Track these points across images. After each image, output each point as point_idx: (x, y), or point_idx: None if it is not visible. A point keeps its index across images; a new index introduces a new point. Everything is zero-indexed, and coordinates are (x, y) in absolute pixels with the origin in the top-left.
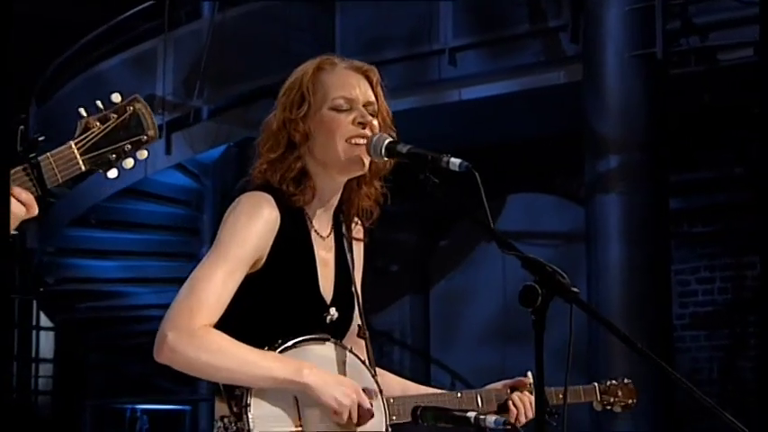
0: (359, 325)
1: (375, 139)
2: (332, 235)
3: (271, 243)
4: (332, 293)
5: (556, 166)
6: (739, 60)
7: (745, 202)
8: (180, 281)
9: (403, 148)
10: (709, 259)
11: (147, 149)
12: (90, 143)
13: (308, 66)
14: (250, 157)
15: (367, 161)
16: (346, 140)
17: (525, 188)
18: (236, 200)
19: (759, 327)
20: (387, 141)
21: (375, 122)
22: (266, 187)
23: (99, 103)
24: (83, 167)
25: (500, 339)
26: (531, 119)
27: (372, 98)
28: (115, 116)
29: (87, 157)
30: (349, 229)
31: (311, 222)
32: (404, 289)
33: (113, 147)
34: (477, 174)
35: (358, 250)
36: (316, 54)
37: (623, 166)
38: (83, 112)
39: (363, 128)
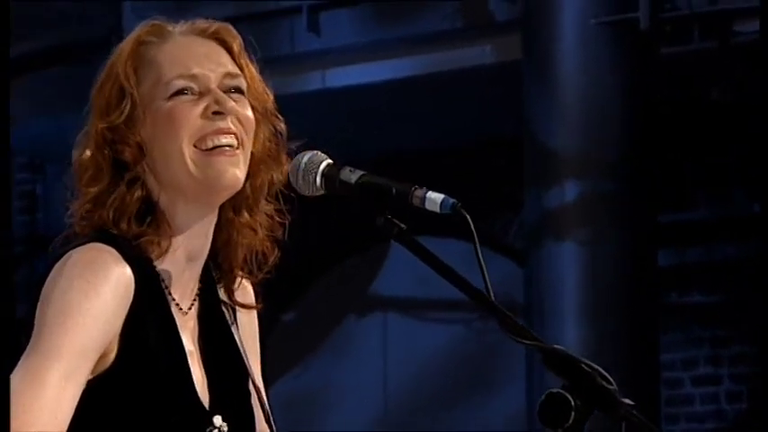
0: None
1: (303, 159)
2: (195, 305)
3: (121, 323)
4: (209, 395)
5: (474, 197)
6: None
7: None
8: None
9: (351, 176)
10: (713, 347)
11: None
12: None
13: (125, 43)
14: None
15: (241, 173)
16: (195, 144)
17: (421, 230)
18: (61, 261)
19: None
20: (324, 164)
21: (243, 108)
22: (104, 236)
23: None
24: None
25: None
26: (436, 120)
27: (234, 68)
28: None
29: None
30: (230, 292)
31: (167, 288)
32: None
33: None
34: (469, 217)
35: (249, 322)
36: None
37: (585, 200)
38: None
39: (221, 119)
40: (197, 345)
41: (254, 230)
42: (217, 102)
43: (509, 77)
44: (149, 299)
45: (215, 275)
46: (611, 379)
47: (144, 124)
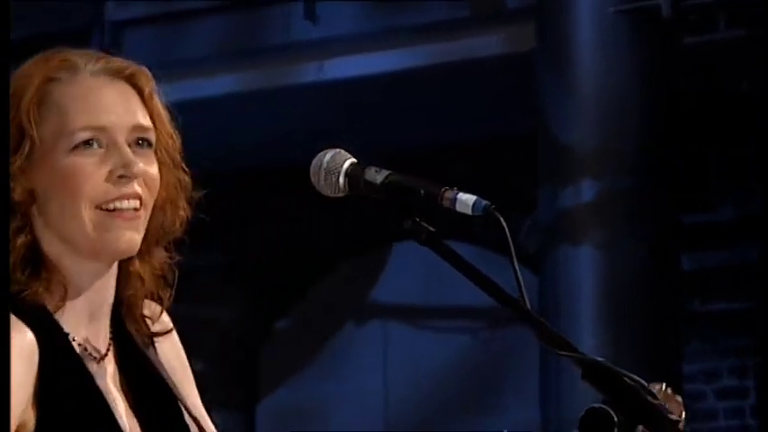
0: None
1: (324, 159)
2: (110, 349)
3: (33, 393)
4: None
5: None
6: None
7: None
8: None
9: (376, 176)
10: (738, 357)
11: None
12: None
13: (31, 73)
14: None
15: (139, 236)
16: (99, 207)
17: (412, 234)
18: None
19: None
20: (347, 164)
21: (149, 167)
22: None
23: None
24: None
25: None
26: (441, 114)
27: (145, 119)
28: None
29: None
30: (141, 325)
31: (74, 338)
32: (215, 403)
33: None
34: (503, 220)
35: (171, 347)
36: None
37: (603, 199)
38: None
39: (127, 183)
40: (122, 390)
41: (142, 279)
42: (124, 165)
43: (521, 69)
44: (56, 356)
45: (121, 312)
46: (655, 393)
47: (41, 170)
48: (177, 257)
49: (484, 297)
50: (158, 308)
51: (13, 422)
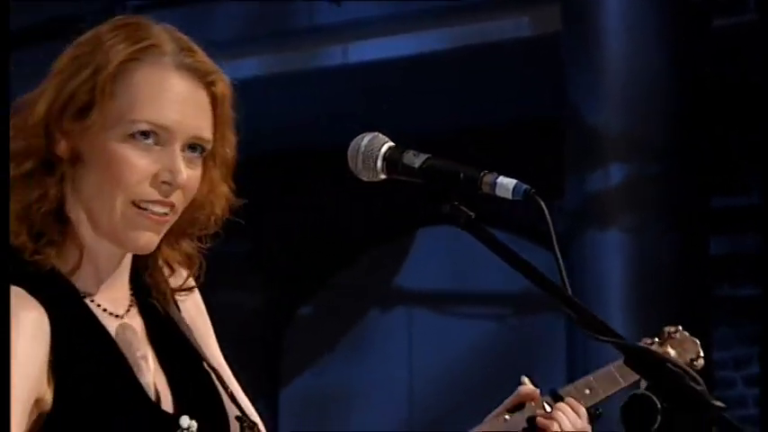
0: (239, 418)
1: (362, 142)
2: (134, 307)
3: (48, 366)
4: (171, 396)
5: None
6: None
7: None
8: None
9: (415, 160)
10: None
11: None
12: None
13: (117, 44)
14: None
15: (158, 238)
16: (133, 203)
17: (451, 219)
18: None
19: None
20: (385, 147)
21: (193, 178)
22: (15, 267)
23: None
24: None
25: None
26: (466, 97)
27: (206, 133)
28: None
29: None
30: (161, 284)
31: (90, 298)
32: None
33: None
34: (544, 205)
35: (193, 305)
36: None
37: (631, 183)
38: None
39: (168, 190)
40: (150, 346)
41: (168, 265)
42: (171, 172)
43: (547, 51)
44: (71, 321)
45: (145, 274)
46: (699, 379)
47: (93, 142)
48: (206, 246)
49: (510, 283)
50: (184, 271)
51: (28, 400)
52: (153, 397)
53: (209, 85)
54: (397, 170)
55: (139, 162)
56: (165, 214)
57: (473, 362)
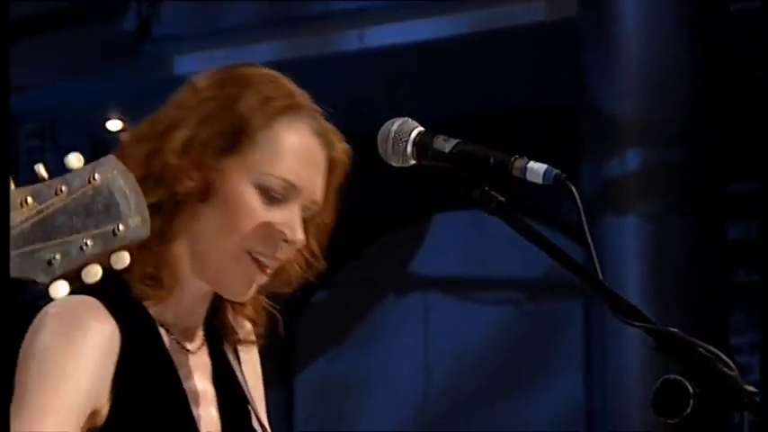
0: None
1: (392, 128)
2: (205, 345)
3: (111, 379)
4: None
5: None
6: None
7: None
8: None
9: (445, 145)
10: None
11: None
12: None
13: (268, 94)
14: None
15: (254, 289)
16: (248, 252)
17: (466, 204)
18: (39, 316)
19: None
20: (415, 132)
21: (303, 232)
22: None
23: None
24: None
25: None
26: (483, 83)
27: (320, 197)
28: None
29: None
30: (229, 330)
31: (166, 329)
32: None
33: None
34: (574, 190)
35: (251, 359)
36: None
37: (649, 169)
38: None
39: (283, 249)
40: (212, 384)
41: (242, 309)
42: (292, 231)
43: (563, 36)
44: (143, 346)
45: (217, 317)
46: (731, 364)
47: (227, 181)
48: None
49: (527, 268)
50: (248, 324)
51: (85, 408)
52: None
53: (330, 149)
54: (427, 155)
55: (265, 214)
56: (271, 270)
57: (489, 348)
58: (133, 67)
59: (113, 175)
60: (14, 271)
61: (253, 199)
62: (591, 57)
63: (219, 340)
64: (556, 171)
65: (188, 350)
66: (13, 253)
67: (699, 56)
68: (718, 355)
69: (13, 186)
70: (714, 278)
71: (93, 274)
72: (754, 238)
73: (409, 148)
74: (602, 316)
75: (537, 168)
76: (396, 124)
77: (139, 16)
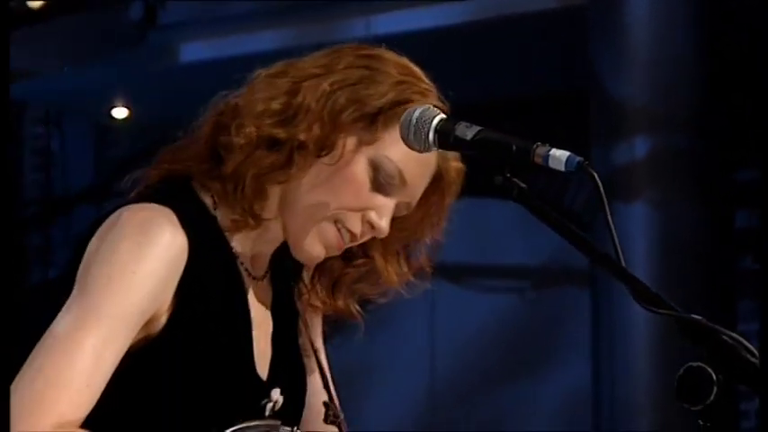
0: (326, 403)
1: (414, 114)
2: (268, 274)
3: (174, 288)
4: (268, 367)
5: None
6: None
7: None
8: None
9: (467, 132)
10: None
11: None
12: None
13: (411, 82)
14: None
15: (320, 258)
16: (335, 221)
17: (471, 190)
18: (111, 219)
19: None
20: (437, 119)
21: (385, 227)
22: (170, 192)
23: None
24: None
25: None
26: (490, 70)
27: (415, 201)
28: None
29: None
30: (296, 272)
31: (237, 254)
32: None
33: None
34: (597, 177)
35: (316, 324)
36: None
37: (657, 156)
38: None
39: (367, 231)
40: (269, 314)
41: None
42: (381, 217)
43: (572, 23)
44: (212, 264)
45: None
46: (754, 350)
47: (349, 146)
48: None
49: (532, 256)
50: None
51: (143, 314)
52: (256, 358)
53: (443, 160)
54: (449, 142)
55: (368, 193)
56: (345, 246)
57: (494, 335)
58: (138, 54)
59: None
60: None
61: (365, 174)
62: (599, 44)
63: (284, 275)
64: (579, 158)
65: (253, 276)
66: None
67: (707, 44)
68: (741, 342)
69: None
70: (721, 265)
71: None
72: (759, 224)
73: (431, 135)
74: (609, 304)
75: (559, 155)
76: (418, 111)
77: (145, 4)
